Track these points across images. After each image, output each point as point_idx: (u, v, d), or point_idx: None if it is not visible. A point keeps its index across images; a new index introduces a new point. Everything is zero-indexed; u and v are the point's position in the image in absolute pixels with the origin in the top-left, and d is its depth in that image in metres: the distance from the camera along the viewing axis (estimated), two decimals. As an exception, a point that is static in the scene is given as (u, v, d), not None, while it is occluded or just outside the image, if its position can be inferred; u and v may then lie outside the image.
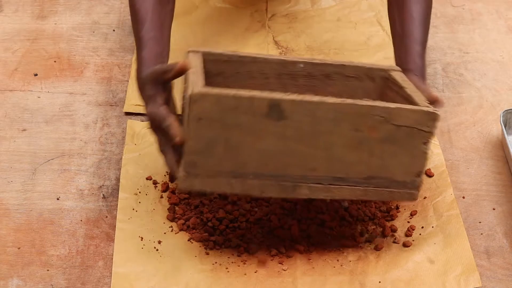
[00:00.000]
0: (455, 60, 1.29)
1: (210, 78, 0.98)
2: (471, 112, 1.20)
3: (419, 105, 0.91)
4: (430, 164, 1.10)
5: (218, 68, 1.00)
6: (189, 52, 0.98)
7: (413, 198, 0.95)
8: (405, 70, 1.02)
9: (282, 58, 1.01)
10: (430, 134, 0.91)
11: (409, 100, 0.94)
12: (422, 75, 1.02)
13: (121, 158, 1.11)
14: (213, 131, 0.88)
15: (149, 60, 0.97)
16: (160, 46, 0.99)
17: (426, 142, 0.92)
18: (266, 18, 1.37)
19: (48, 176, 1.09)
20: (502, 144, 1.14)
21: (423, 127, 0.90)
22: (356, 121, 0.89)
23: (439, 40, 1.33)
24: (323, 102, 0.88)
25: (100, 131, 1.16)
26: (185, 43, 1.26)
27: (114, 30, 1.35)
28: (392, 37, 1.08)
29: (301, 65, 1.01)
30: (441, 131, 1.16)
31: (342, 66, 1.01)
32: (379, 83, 1.02)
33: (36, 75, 1.26)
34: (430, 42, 1.29)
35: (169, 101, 0.94)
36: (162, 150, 0.93)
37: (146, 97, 0.94)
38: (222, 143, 0.89)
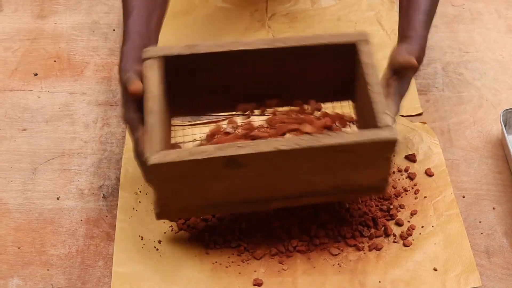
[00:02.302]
0: (455, 59, 1.29)
1: (173, 77, 0.97)
2: (471, 111, 1.20)
3: (378, 122, 0.89)
4: (430, 164, 1.10)
5: (181, 66, 0.97)
6: (144, 60, 0.95)
7: (380, 193, 1.01)
8: (402, 38, 1.01)
9: (243, 48, 0.97)
10: (390, 152, 0.91)
11: (372, 108, 0.92)
12: (419, 43, 1.00)
13: (121, 158, 1.11)
14: (176, 184, 0.90)
15: (129, 54, 0.96)
16: (143, 40, 0.98)
17: (388, 159, 0.92)
18: (266, 18, 1.37)
19: (48, 176, 1.09)
20: (502, 144, 1.14)
21: (383, 151, 0.91)
22: (315, 157, 0.89)
23: (439, 39, 1.33)
24: (279, 151, 0.87)
25: (100, 131, 1.16)
26: (186, 43, 1.26)
27: (114, 30, 1.35)
28: (399, 10, 1.06)
29: (268, 51, 0.97)
30: (441, 130, 1.16)
31: (305, 47, 0.98)
32: (348, 56, 0.98)
33: (36, 74, 1.25)
34: (430, 41, 1.29)
35: (141, 108, 0.93)
36: (136, 157, 0.93)
37: (121, 100, 0.95)
38: (187, 190, 0.91)
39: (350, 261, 0.98)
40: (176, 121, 1.12)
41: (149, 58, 0.95)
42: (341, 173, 0.93)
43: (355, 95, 1.01)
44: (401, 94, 0.97)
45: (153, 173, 0.89)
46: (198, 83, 0.99)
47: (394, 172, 1.09)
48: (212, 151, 0.87)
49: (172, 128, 1.03)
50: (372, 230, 1.01)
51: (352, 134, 0.90)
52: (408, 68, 0.98)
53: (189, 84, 0.99)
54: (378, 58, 1.17)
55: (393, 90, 0.96)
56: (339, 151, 0.89)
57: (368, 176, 0.94)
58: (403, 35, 1.01)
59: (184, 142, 1.11)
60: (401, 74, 0.97)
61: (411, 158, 1.10)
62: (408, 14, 1.03)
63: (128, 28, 0.99)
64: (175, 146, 0.99)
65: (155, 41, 1.02)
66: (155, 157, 0.87)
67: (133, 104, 0.93)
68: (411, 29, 1.01)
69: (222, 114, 1.14)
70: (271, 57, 0.98)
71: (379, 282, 0.96)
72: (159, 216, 0.95)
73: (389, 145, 0.90)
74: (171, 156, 0.87)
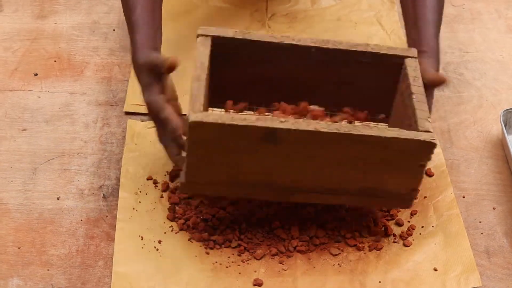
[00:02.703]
0: (455, 59, 1.29)
1: (219, 61, 0.98)
2: (471, 111, 1.20)
3: (418, 127, 0.90)
4: (430, 164, 1.10)
5: (229, 51, 0.99)
6: (198, 36, 0.98)
7: (407, 206, 0.97)
8: (418, 52, 1.01)
9: (295, 43, 0.99)
10: (426, 158, 0.91)
11: (413, 113, 0.93)
12: (436, 57, 1.01)
13: (121, 158, 1.11)
14: (211, 152, 0.90)
15: (143, 43, 0.98)
16: (153, 29, 1.01)
17: (422, 166, 0.92)
18: (266, 18, 1.37)
19: (48, 176, 1.09)
20: (502, 144, 1.14)
21: (419, 154, 0.90)
22: (351, 147, 0.89)
23: (439, 39, 1.33)
24: (317, 131, 0.88)
25: (100, 131, 1.16)
26: (186, 43, 1.26)
27: (114, 30, 1.35)
28: (405, 21, 1.07)
29: (313, 50, 1.00)
30: (441, 130, 1.16)
31: (355, 52, 1.00)
32: (393, 69, 1.00)
33: (36, 74, 1.25)
34: (430, 41, 1.29)
35: (165, 89, 0.95)
36: (163, 142, 0.94)
37: (143, 85, 0.96)
38: (219, 161, 0.91)
39: (350, 261, 0.98)
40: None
41: (202, 35, 0.97)
42: (372, 172, 0.92)
43: (392, 108, 1.02)
44: (430, 108, 0.98)
45: (191, 134, 0.88)
46: (241, 73, 1.01)
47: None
48: (254, 120, 0.88)
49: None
50: (372, 230, 1.01)
51: (393, 130, 0.90)
52: (439, 84, 0.99)
53: (232, 72, 1.00)
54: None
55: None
56: (377, 144, 0.89)
57: (398, 182, 0.93)
58: (418, 50, 1.01)
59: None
60: (428, 89, 0.98)
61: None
62: (418, 28, 1.03)
63: (137, 20, 1.01)
64: None
65: (161, 30, 1.04)
66: (197, 115, 0.87)
67: (156, 86, 0.94)
68: (424, 44, 1.02)
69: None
70: (318, 56, 0.99)
71: (379, 282, 0.96)
72: (184, 187, 0.94)
73: (427, 149, 0.89)
74: (212, 116, 0.88)
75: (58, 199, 1.06)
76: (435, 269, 0.97)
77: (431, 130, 0.90)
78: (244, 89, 1.02)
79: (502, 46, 1.32)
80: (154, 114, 0.95)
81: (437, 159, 1.11)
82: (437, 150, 1.12)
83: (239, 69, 1.01)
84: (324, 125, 0.88)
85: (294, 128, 0.88)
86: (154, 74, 0.95)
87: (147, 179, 1.08)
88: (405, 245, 1.00)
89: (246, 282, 0.96)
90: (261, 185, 0.94)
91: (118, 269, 0.96)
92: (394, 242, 1.01)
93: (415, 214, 1.04)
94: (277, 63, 1.00)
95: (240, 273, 0.97)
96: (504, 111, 1.13)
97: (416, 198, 0.97)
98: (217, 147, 0.90)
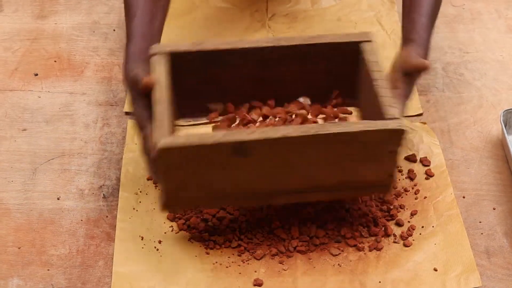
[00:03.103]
0: (455, 59, 1.29)
1: (179, 75, 0.98)
2: (471, 111, 1.20)
3: (386, 114, 0.90)
4: (431, 164, 1.10)
5: (187, 64, 0.98)
6: (152, 55, 0.96)
7: (387, 191, 1.00)
8: (407, 40, 1.01)
9: (250, 46, 0.99)
10: (397, 145, 0.91)
11: (378, 101, 0.92)
12: (424, 46, 1.01)
13: (121, 158, 1.11)
14: (184, 173, 0.90)
15: (134, 55, 0.98)
16: (147, 42, 0.99)
17: (394, 152, 0.92)
18: (266, 18, 1.37)
19: (48, 176, 1.09)
20: (502, 144, 1.14)
21: (391, 142, 0.90)
22: (322, 146, 0.90)
23: (439, 39, 1.33)
24: (286, 137, 0.88)
25: (100, 131, 1.16)
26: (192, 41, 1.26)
27: (114, 30, 1.35)
28: (402, 13, 1.07)
29: (270, 50, 0.98)
30: (441, 130, 1.16)
31: (311, 45, 0.99)
32: (351, 56, 0.99)
33: (36, 75, 1.26)
34: (430, 41, 1.29)
35: (150, 105, 0.94)
36: (143, 155, 0.94)
37: (130, 98, 0.96)
38: (194, 180, 0.92)
39: (351, 261, 0.98)
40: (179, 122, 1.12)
41: (156, 54, 0.96)
42: (347, 167, 0.92)
43: (359, 96, 1.02)
44: (407, 95, 0.99)
45: (161, 159, 0.88)
46: (202, 82, 1.00)
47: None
48: (221, 136, 0.88)
49: (175, 128, 1.03)
50: (372, 231, 1.01)
51: (359, 123, 0.90)
52: (421, 71, 0.99)
53: (194, 83, 1.00)
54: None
55: (401, 92, 0.97)
56: (346, 140, 0.89)
57: (374, 171, 0.94)
58: (407, 38, 1.02)
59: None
60: (409, 76, 0.98)
61: (411, 159, 1.10)
62: (411, 17, 1.03)
63: (132, 30, 1.00)
64: None
65: (158, 42, 1.02)
66: (164, 141, 0.87)
67: (142, 101, 0.94)
68: (414, 32, 1.02)
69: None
70: (275, 55, 0.99)
71: (379, 282, 0.96)
72: (164, 207, 0.94)
73: (396, 136, 0.89)
74: (180, 140, 0.88)
75: (58, 199, 1.06)
76: (435, 269, 0.97)
77: (397, 115, 0.90)
78: (212, 93, 1.01)
79: (502, 46, 1.32)
80: (138, 128, 0.95)
81: (437, 159, 1.11)
82: (437, 151, 1.12)
83: (202, 78, 1.00)
84: (292, 130, 0.88)
85: (261, 138, 0.87)
86: (137, 90, 0.95)
87: (147, 179, 1.08)
88: (405, 245, 1.00)
89: (246, 282, 0.96)
90: (240, 194, 0.95)
91: (118, 269, 0.97)
92: (394, 242, 1.01)
93: (415, 214, 1.04)
94: (238, 67, 0.99)
95: (240, 273, 0.97)
96: (504, 111, 1.13)
97: (395, 182, 0.97)
98: (190, 168, 0.90)
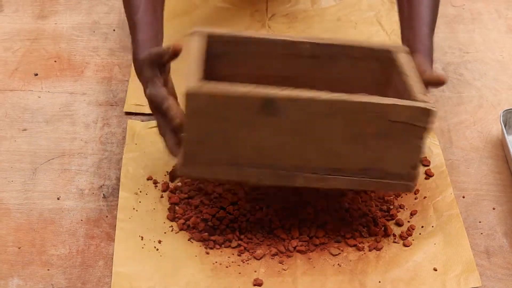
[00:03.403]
0: (455, 59, 1.29)
1: (213, 60, 0.99)
2: (471, 111, 1.20)
3: (416, 99, 0.91)
4: (430, 164, 1.10)
5: (223, 49, 1.00)
6: (193, 33, 0.98)
7: (409, 189, 0.95)
8: (412, 52, 1.01)
9: (287, 39, 1.00)
10: (425, 129, 0.91)
11: (409, 90, 0.93)
12: (430, 56, 1.01)
13: (121, 158, 1.11)
14: (209, 125, 0.89)
15: (145, 43, 0.99)
16: (155, 30, 1.02)
17: (421, 137, 0.91)
18: (266, 18, 1.38)
19: (48, 176, 1.09)
20: (502, 144, 1.14)
21: (418, 122, 0.90)
22: (350, 117, 0.89)
23: (439, 40, 1.33)
24: (316, 99, 0.88)
25: (100, 131, 1.16)
26: (186, 43, 1.26)
27: (114, 30, 1.35)
28: (400, 21, 1.07)
29: (307, 46, 1.00)
30: (441, 130, 1.16)
31: (348, 47, 1.00)
32: (385, 64, 1.01)
33: (36, 75, 1.26)
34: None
35: (167, 82, 0.96)
36: (162, 133, 0.94)
37: (145, 80, 0.96)
38: (218, 136, 0.90)
39: (350, 261, 0.99)
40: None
41: (195, 33, 0.97)
42: (372, 147, 0.91)
43: None
44: None
45: (188, 104, 0.87)
46: (232, 70, 1.01)
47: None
48: (252, 88, 0.87)
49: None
50: (372, 230, 1.01)
51: (390, 99, 0.90)
52: (439, 85, 0.99)
53: (224, 70, 1.00)
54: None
55: None
56: (374, 114, 0.89)
57: (398, 159, 0.92)
58: (412, 49, 1.01)
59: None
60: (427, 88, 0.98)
61: (411, 158, 1.10)
62: (412, 27, 1.03)
63: (139, 20, 1.02)
64: None
65: (162, 32, 1.04)
66: (194, 85, 0.87)
67: (159, 79, 0.95)
68: (418, 43, 1.02)
69: None
70: (311, 52, 1.00)
71: (379, 282, 0.96)
72: (183, 168, 0.92)
73: (426, 116, 0.89)
74: (209, 86, 0.87)
75: (58, 199, 1.06)
76: (435, 269, 0.97)
77: (430, 101, 0.90)
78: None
79: (502, 46, 1.32)
80: (156, 106, 0.95)
81: (437, 159, 1.11)
82: (437, 151, 1.12)
83: (234, 67, 1.01)
84: (324, 93, 0.88)
85: (293, 95, 0.87)
86: (155, 67, 0.95)
87: (147, 179, 1.08)
88: (405, 245, 1.00)
89: (246, 282, 0.96)
90: (261, 167, 0.92)
91: (118, 269, 0.97)
92: (394, 242, 1.01)
93: (415, 214, 1.04)
94: (271, 59, 1.00)
95: (240, 273, 0.97)
96: (504, 111, 1.13)
97: (417, 178, 0.95)
98: (215, 119, 0.88)
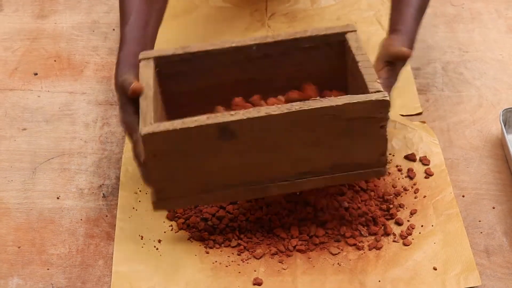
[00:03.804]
0: (454, 59, 1.29)
1: (168, 79, 0.98)
2: (470, 111, 1.20)
3: (368, 89, 0.90)
4: (430, 163, 1.10)
5: (175, 69, 0.99)
6: (140, 61, 0.97)
7: (381, 174, 0.96)
8: (392, 30, 1.01)
9: (235, 45, 0.99)
10: (384, 118, 0.91)
11: (361, 78, 0.93)
12: (409, 36, 1.01)
13: (121, 157, 1.11)
14: (171, 161, 0.90)
15: (125, 60, 0.98)
16: (140, 46, 1.00)
17: (382, 126, 0.91)
18: (266, 18, 1.38)
19: (48, 175, 1.09)
20: (502, 143, 1.14)
21: (375, 114, 0.90)
22: (307, 124, 0.89)
23: (439, 39, 1.33)
24: (269, 115, 0.88)
25: (100, 130, 1.16)
26: (186, 43, 1.26)
27: (114, 29, 1.35)
28: (391, 6, 1.07)
29: (254, 48, 0.99)
30: (441, 130, 1.16)
31: (296, 39, 0.99)
32: (338, 48, 1.00)
33: (36, 74, 1.26)
34: (429, 41, 1.30)
35: (138, 111, 0.94)
36: (136, 160, 0.94)
37: (119, 104, 0.96)
38: (183, 170, 0.91)
39: (350, 260, 0.99)
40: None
41: (143, 59, 0.97)
42: (337, 146, 0.92)
43: (348, 88, 1.02)
44: (390, 85, 0.98)
45: (147, 147, 0.88)
46: (190, 86, 1.00)
47: (392, 173, 1.09)
48: (204, 119, 0.87)
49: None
50: (372, 230, 1.01)
51: (343, 97, 0.89)
52: (401, 59, 0.99)
53: (181, 88, 1.00)
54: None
55: (383, 82, 0.96)
56: (332, 116, 0.89)
57: (366, 151, 0.93)
58: (393, 28, 1.02)
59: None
60: (391, 65, 0.98)
61: (410, 158, 1.10)
62: (399, 9, 1.04)
63: (125, 35, 1.01)
64: None
65: (151, 47, 1.03)
66: (148, 128, 0.87)
67: (131, 107, 0.94)
68: (401, 23, 1.02)
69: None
70: (262, 53, 0.99)
71: (379, 281, 0.96)
72: (156, 205, 0.94)
73: (381, 108, 0.89)
74: (163, 126, 0.87)
75: (58, 198, 1.06)
76: (435, 268, 0.97)
77: (382, 89, 0.90)
78: (200, 100, 1.01)
79: (502, 46, 1.32)
80: (128, 134, 0.95)
81: (436, 159, 1.11)
82: (437, 150, 1.12)
83: (190, 83, 1.00)
84: (275, 108, 0.88)
85: (245, 117, 0.87)
86: (126, 95, 0.95)
87: (146, 179, 1.08)
88: (404, 244, 1.00)
89: (246, 281, 0.96)
90: (232, 186, 0.94)
91: (118, 268, 0.97)
92: (394, 241, 1.01)
93: (414, 213, 1.04)
94: (225, 68, 1.00)
95: (239, 272, 0.97)
96: (503, 110, 1.13)
97: (388, 163, 0.95)
98: (176, 155, 0.89)
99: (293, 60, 1.01)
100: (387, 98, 0.89)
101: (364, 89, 0.91)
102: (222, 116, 0.88)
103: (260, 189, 0.95)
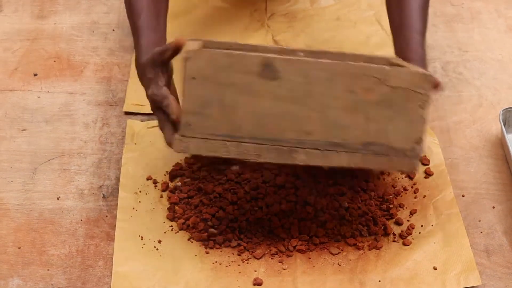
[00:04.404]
0: (454, 59, 1.29)
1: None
2: (470, 110, 1.20)
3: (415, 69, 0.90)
4: (430, 163, 1.10)
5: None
6: (189, 40, 0.96)
7: (412, 167, 0.92)
8: (406, 60, 1.01)
9: (282, 47, 0.99)
10: (426, 97, 0.90)
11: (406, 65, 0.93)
12: (423, 63, 1.01)
13: (121, 158, 1.11)
14: (207, 90, 0.88)
15: (147, 47, 0.99)
16: (158, 35, 1.02)
17: (423, 106, 0.90)
18: (266, 18, 1.38)
19: (48, 176, 1.09)
20: (502, 143, 1.14)
21: (419, 89, 0.89)
22: (350, 82, 0.89)
23: (439, 39, 1.33)
24: (316, 62, 0.88)
25: (100, 131, 1.16)
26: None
27: (113, 30, 1.35)
28: (391, 29, 1.07)
29: (301, 54, 0.99)
30: (441, 129, 1.16)
31: (342, 55, 0.98)
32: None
33: (36, 75, 1.26)
34: (429, 41, 1.29)
35: (169, 83, 0.95)
36: (161, 127, 0.94)
37: (147, 81, 0.96)
38: (216, 103, 0.89)
39: (350, 260, 0.99)
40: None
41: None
42: (373, 118, 0.90)
43: None
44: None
45: (188, 68, 0.87)
46: None
47: (392, 173, 1.09)
48: (251, 50, 0.87)
49: None
50: (372, 230, 1.01)
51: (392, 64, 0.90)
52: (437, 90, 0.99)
53: None
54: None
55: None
56: (376, 79, 0.88)
57: (401, 132, 0.91)
58: (404, 57, 1.01)
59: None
60: None
61: (410, 158, 1.10)
62: (404, 36, 1.03)
63: (141, 24, 1.02)
64: None
65: (165, 35, 1.04)
66: (193, 44, 0.87)
67: (162, 78, 0.94)
68: (411, 51, 1.01)
69: None
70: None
71: (379, 281, 0.96)
72: (178, 143, 0.90)
73: (426, 82, 0.89)
74: (209, 48, 0.87)
75: (58, 199, 1.06)
76: (435, 268, 0.97)
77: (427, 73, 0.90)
78: None
79: (501, 46, 1.32)
80: (157, 105, 0.95)
81: (436, 158, 1.11)
82: (437, 150, 1.12)
83: None
84: (324, 57, 0.88)
85: (292, 58, 0.87)
86: (158, 67, 0.95)
87: (147, 179, 1.08)
88: (404, 244, 1.00)
89: (246, 281, 0.96)
90: (261, 141, 0.90)
91: (118, 269, 0.97)
92: (394, 241, 1.01)
93: (414, 213, 1.04)
94: None
95: (240, 272, 0.97)
96: (503, 110, 1.13)
97: (421, 154, 0.93)
98: (215, 85, 0.87)
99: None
100: (436, 79, 0.90)
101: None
102: (269, 51, 0.87)
103: (287, 152, 0.91)
